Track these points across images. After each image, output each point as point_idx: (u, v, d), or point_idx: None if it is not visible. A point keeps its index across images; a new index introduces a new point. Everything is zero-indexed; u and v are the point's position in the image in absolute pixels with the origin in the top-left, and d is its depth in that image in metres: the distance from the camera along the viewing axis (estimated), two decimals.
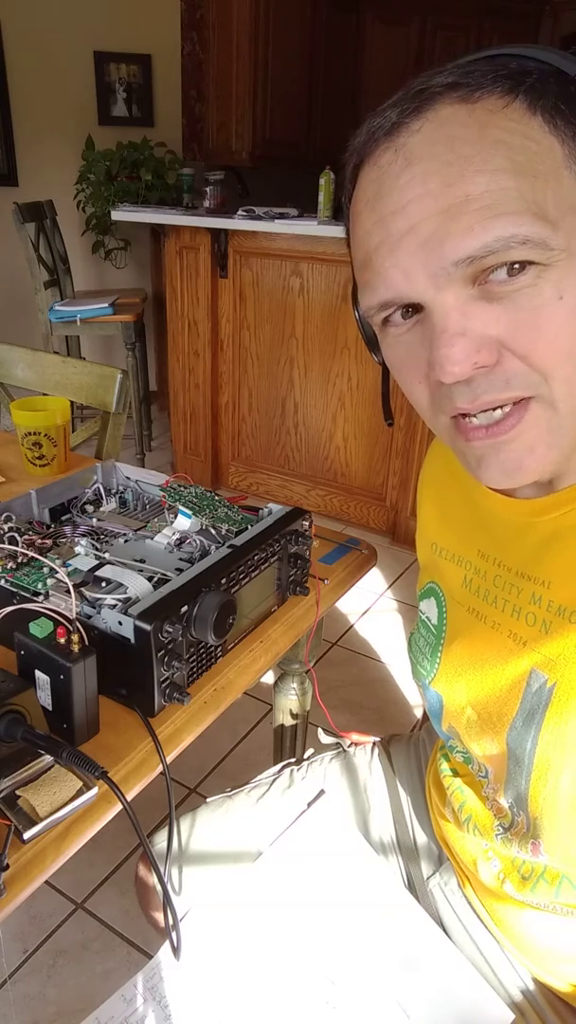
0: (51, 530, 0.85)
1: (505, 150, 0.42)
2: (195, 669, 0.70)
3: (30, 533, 0.80)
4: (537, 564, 0.55)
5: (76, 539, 0.81)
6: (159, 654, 0.63)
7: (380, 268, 0.46)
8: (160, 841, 0.81)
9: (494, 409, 0.47)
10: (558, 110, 0.43)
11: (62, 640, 0.60)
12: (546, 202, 0.42)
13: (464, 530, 0.65)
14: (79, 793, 0.56)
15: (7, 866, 0.51)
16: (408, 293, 0.45)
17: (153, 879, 0.81)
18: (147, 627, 0.61)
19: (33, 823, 0.53)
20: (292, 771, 0.88)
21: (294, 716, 1.08)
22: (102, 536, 0.83)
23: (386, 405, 0.66)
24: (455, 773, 0.71)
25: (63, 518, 0.88)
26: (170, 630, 0.63)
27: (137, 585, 0.69)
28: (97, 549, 0.79)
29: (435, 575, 0.69)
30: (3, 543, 0.76)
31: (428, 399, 0.50)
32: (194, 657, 0.69)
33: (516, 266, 0.43)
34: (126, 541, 0.82)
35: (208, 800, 0.86)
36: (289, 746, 1.12)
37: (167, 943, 0.70)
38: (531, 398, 0.46)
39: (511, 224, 0.41)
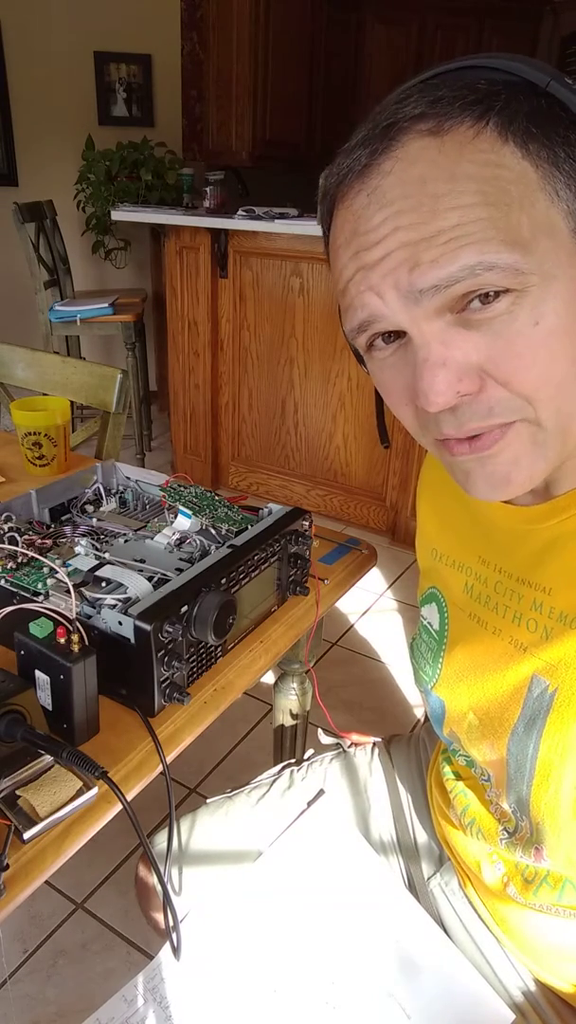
0: (51, 530, 0.85)
1: (476, 184, 0.42)
2: (195, 669, 0.70)
3: (30, 533, 0.80)
4: (538, 570, 0.55)
5: (76, 539, 0.81)
6: (159, 654, 0.63)
7: (356, 292, 0.47)
8: (160, 841, 0.81)
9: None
10: (529, 134, 0.42)
11: (62, 640, 0.60)
12: (520, 227, 0.42)
13: (464, 536, 0.65)
14: (79, 793, 0.56)
15: (7, 866, 0.51)
16: (384, 313, 0.46)
17: (153, 879, 0.81)
18: (147, 627, 0.61)
19: (33, 823, 0.53)
20: (292, 772, 0.88)
21: (294, 716, 1.08)
22: (102, 536, 0.83)
23: (381, 427, 0.66)
24: (457, 776, 0.71)
25: (63, 518, 0.88)
26: (170, 630, 0.63)
27: (137, 585, 0.69)
28: (97, 549, 0.79)
29: (436, 581, 0.69)
30: (3, 543, 0.76)
31: (415, 420, 0.50)
32: (194, 657, 0.69)
33: (490, 294, 0.43)
34: (126, 541, 0.82)
35: (208, 801, 0.86)
36: (289, 746, 1.12)
37: (167, 944, 0.70)
38: (515, 421, 0.46)
39: (476, 252, 0.42)
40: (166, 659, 0.64)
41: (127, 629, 0.63)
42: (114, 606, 0.66)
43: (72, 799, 0.55)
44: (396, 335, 0.48)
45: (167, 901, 0.70)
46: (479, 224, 0.42)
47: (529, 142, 0.42)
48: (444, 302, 0.44)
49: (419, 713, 1.91)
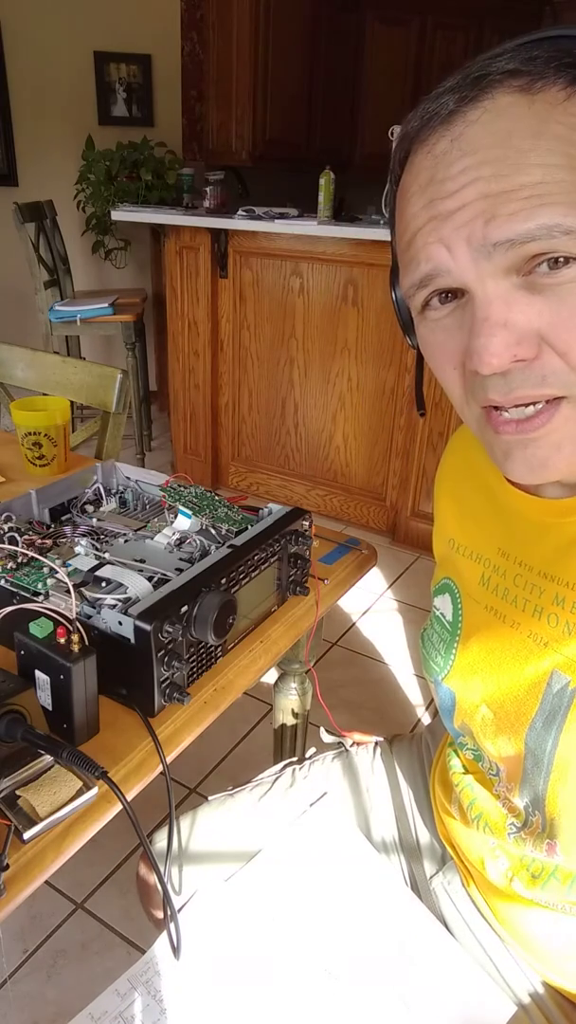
0: (51, 530, 0.85)
1: (563, 146, 0.41)
2: (195, 669, 0.70)
3: (30, 533, 0.80)
4: (562, 565, 0.55)
5: (76, 539, 0.81)
6: (159, 654, 0.63)
7: (424, 244, 0.46)
8: (160, 839, 0.81)
9: (526, 405, 0.46)
10: None
11: (62, 640, 0.60)
12: None
13: (484, 527, 0.65)
14: (79, 793, 0.56)
15: (7, 866, 0.51)
16: (449, 268, 0.45)
17: (154, 878, 0.81)
18: (147, 627, 0.61)
19: (33, 823, 0.53)
20: (294, 770, 0.88)
21: (295, 716, 1.08)
22: (102, 536, 0.83)
23: (419, 394, 0.65)
24: (465, 770, 0.71)
25: (63, 518, 0.88)
26: (170, 630, 0.63)
27: (137, 585, 0.69)
28: (97, 549, 0.79)
29: (451, 571, 0.69)
30: (3, 543, 0.76)
31: (460, 386, 0.50)
32: (194, 657, 0.69)
33: (560, 259, 0.42)
34: (126, 541, 0.82)
35: (210, 798, 0.86)
36: (289, 746, 1.12)
37: (161, 937, 0.70)
38: (564, 397, 0.45)
39: (557, 214, 0.41)
40: (166, 659, 0.64)
41: (127, 629, 0.63)
42: (114, 606, 0.66)
43: (72, 799, 0.55)
44: (454, 295, 0.47)
45: (167, 900, 0.70)
46: (562, 186, 0.41)
47: None
48: (513, 261, 0.43)
49: (420, 713, 1.91)
